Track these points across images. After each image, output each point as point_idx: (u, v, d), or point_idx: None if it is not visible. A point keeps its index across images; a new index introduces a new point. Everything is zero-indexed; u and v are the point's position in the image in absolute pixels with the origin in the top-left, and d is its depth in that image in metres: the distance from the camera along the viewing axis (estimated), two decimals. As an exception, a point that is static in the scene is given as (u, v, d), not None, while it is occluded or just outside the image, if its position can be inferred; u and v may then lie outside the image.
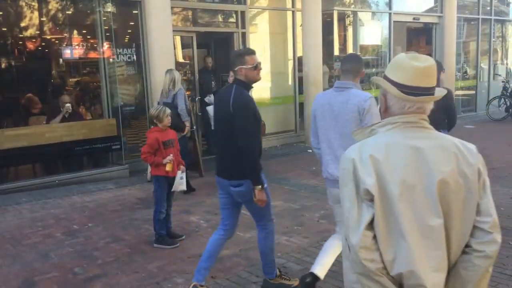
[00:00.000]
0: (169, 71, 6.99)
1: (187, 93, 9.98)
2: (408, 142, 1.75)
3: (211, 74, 9.65)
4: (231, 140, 3.48)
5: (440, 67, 4.77)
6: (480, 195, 1.75)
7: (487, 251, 1.72)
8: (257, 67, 3.56)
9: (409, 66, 1.77)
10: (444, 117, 4.86)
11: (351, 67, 3.49)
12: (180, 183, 5.09)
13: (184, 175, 5.18)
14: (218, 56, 10.35)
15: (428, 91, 1.79)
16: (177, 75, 6.93)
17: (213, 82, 9.57)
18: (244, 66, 3.52)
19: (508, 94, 13.76)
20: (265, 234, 3.81)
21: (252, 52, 3.63)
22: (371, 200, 1.70)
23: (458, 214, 1.72)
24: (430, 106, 1.84)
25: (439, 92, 1.84)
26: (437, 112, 2.06)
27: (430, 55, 13.82)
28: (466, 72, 15.06)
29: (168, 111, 5.08)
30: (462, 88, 14.55)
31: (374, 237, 1.71)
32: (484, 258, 1.72)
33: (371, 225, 1.71)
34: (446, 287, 1.75)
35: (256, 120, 3.53)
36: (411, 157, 1.72)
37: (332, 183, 3.49)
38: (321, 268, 3.63)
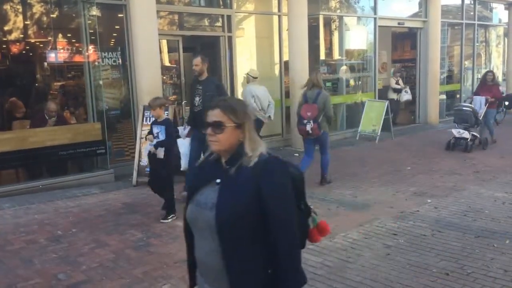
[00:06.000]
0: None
1: (173, 97, 9.96)
2: (254, 87, 8.44)
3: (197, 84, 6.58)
4: None
5: None
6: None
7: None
8: None
9: (253, 72, 8.61)
10: None
11: None
12: None
13: None
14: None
15: (256, 78, 8.58)
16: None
17: (197, 97, 6.49)
18: None
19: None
20: None
21: None
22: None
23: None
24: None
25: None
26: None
27: (414, 59, 14.04)
28: (451, 76, 15.22)
29: None
30: (446, 92, 14.70)
31: None
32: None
33: None
34: None
35: None
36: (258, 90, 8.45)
37: None
38: None
